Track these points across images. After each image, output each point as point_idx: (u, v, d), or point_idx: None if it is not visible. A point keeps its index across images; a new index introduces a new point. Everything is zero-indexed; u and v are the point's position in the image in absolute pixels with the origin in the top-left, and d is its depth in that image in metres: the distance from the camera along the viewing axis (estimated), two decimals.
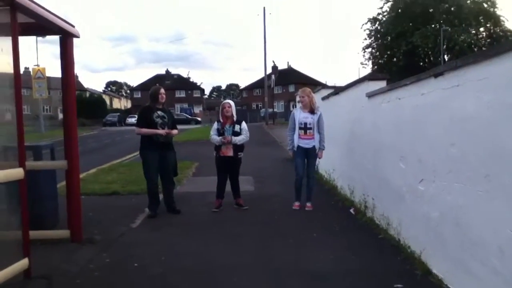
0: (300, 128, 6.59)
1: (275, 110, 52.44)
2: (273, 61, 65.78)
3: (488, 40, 35.73)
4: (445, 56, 34.99)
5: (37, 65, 28.36)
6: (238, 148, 6.67)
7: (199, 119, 54.14)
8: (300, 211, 6.57)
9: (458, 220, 3.49)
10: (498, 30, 35.86)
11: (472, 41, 34.64)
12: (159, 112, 6.32)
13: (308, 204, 6.68)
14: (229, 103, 6.84)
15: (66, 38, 4.95)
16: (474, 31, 35.37)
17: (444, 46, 33.64)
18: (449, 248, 3.63)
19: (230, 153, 6.64)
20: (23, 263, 3.85)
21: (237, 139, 6.62)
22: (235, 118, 6.73)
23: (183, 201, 7.05)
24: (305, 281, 3.91)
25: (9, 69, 3.77)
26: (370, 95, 5.81)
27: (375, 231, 5.35)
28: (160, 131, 6.24)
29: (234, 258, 4.55)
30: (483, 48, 33.62)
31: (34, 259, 3.99)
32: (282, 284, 3.84)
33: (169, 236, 5.43)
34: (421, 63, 36.74)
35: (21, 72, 3.94)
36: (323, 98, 9.00)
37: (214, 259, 4.52)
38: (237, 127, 6.66)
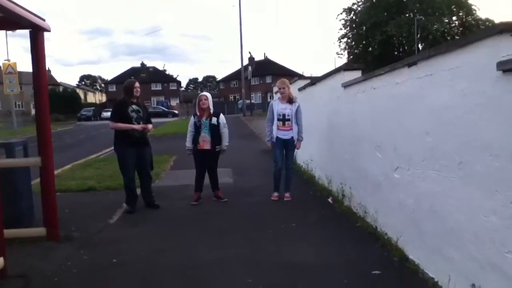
0: (278, 120, 6.60)
1: (252, 101, 52.38)
2: (250, 53, 65.38)
3: (461, 29, 36.40)
4: (419, 45, 35.49)
5: (8, 60, 27.60)
6: (215, 141, 6.65)
7: (176, 112, 53.66)
8: (278, 202, 6.61)
9: (433, 207, 3.57)
10: (470, 19, 36.54)
11: (445, 30, 35.21)
12: (133, 106, 6.22)
13: (287, 195, 6.72)
14: (205, 95, 6.79)
15: (37, 32, 4.83)
16: (447, 20, 35.94)
17: (418, 35, 34.12)
18: (425, 235, 3.71)
19: (207, 146, 6.61)
20: None
21: (223, 145, 6.70)
22: (211, 111, 6.69)
23: (162, 195, 7.00)
24: (286, 272, 3.94)
25: None
26: (346, 85, 5.85)
27: (353, 220, 5.43)
28: (136, 126, 6.15)
29: (214, 252, 4.55)
30: (456, 37, 34.24)
31: (10, 259, 3.92)
32: (262, 277, 3.86)
33: (148, 231, 5.39)
34: (396, 52, 37.21)
35: None
36: (300, 89, 9.03)
37: (194, 254, 4.51)
38: (214, 120, 6.62)
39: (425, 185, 3.69)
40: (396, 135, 4.30)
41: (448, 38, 34.07)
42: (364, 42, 37.94)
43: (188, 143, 6.70)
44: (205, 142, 6.61)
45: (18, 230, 4.83)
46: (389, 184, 4.50)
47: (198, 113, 6.68)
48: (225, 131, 6.71)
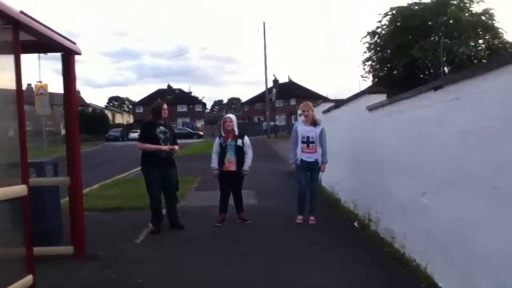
0: (302, 142, 6.60)
1: (276, 123, 52.55)
2: (274, 75, 65.99)
3: (488, 52, 35.83)
4: (445, 68, 35.11)
5: (40, 81, 28.45)
6: (240, 163, 6.68)
7: (201, 133, 54.20)
8: (303, 225, 6.55)
9: (463, 233, 3.49)
10: (497, 42, 35.99)
11: (472, 53, 34.74)
12: (161, 128, 6.32)
13: (311, 218, 6.66)
14: (230, 117, 6.86)
15: (68, 55, 5.00)
16: (473, 43, 35.49)
17: (444, 58, 33.75)
18: (455, 262, 3.62)
19: (232, 167, 6.65)
20: (28, 279, 3.84)
21: (246, 166, 6.69)
22: (236, 133, 6.75)
23: (186, 216, 7.04)
24: None
25: (12, 86, 3.80)
26: (371, 109, 5.83)
27: (380, 245, 5.33)
28: (163, 147, 6.24)
29: (237, 274, 4.53)
30: (483, 60, 33.72)
31: (38, 276, 3.98)
32: None
33: (173, 252, 5.41)
34: (421, 75, 36.83)
35: (24, 88, 3.98)
36: (324, 112, 9.03)
37: (217, 276, 4.50)
38: (239, 142, 6.67)
39: (455, 210, 3.62)
40: (423, 159, 4.25)
41: (475, 61, 33.60)
42: (388, 65, 37.73)
43: (214, 163, 6.74)
44: (231, 163, 6.65)
45: (47, 248, 4.92)
46: (417, 209, 4.42)
47: (223, 135, 6.75)
48: (249, 152, 6.75)
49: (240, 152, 6.67)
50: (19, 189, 3.78)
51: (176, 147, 6.50)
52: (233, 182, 6.77)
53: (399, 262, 4.67)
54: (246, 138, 6.83)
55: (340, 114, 7.93)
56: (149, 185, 6.34)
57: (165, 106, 6.47)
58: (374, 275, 4.39)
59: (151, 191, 6.34)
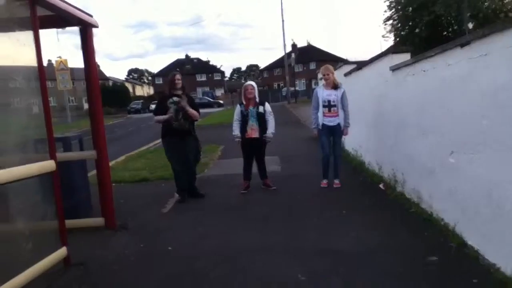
0: (324, 106, 6.51)
1: (296, 88, 52.02)
2: (293, 40, 65.11)
3: None
4: (470, 24, 33.88)
5: (60, 57, 28.70)
6: (263, 130, 6.67)
7: (221, 102, 54.17)
8: (328, 189, 6.55)
9: (491, 192, 3.43)
10: None
11: (497, 7, 33.36)
12: (174, 98, 6.29)
13: (336, 181, 6.65)
14: (251, 84, 6.80)
15: (86, 29, 4.99)
16: None
17: (468, 14, 32.54)
18: (484, 220, 3.58)
19: (255, 134, 6.64)
20: (62, 251, 3.98)
21: (269, 133, 6.66)
22: (257, 100, 6.70)
23: (211, 184, 7.12)
24: (339, 259, 3.91)
25: (33, 62, 3.83)
26: (394, 69, 5.69)
27: (406, 206, 5.30)
28: (167, 116, 6.20)
29: (264, 239, 4.59)
30: (510, 14, 32.37)
31: (72, 247, 4.12)
32: (312, 264, 3.86)
33: (199, 220, 5.49)
34: (445, 33, 35.64)
35: (45, 64, 4.00)
36: (346, 74, 8.87)
37: (243, 241, 4.57)
38: (261, 109, 6.64)
39: (482, 169, 3.55)
40: (449, 119, 4.15)
41: (501, 15, 32.28)
42: (410, 23, 36.39)
43: (236, 131, 6.72)
44: (254, 130, 6.64)
45: (78, 220, 5.06)
46: (443, 169, 4.35)
47: (244, 102, 6.71)
48: (271, 119, 6.71)
49: (262, 119, 6.65)
50: (48, 165, 3.86)
51: (191, 110, 6.29)
52: (256, 149, 6.78)
53: (427, 222, 4.65)
54: (267, 105, 6.79)
55: (362, 75, 7.77)
56: (168, 155, 6.43)
57: (177, 76, 6.36)
58: (402, 236, 4.38)
59: (170, 162, 6.45)
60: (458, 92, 3.93)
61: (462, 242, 3.93)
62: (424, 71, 4.73)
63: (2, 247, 3.52)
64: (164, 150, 6.52)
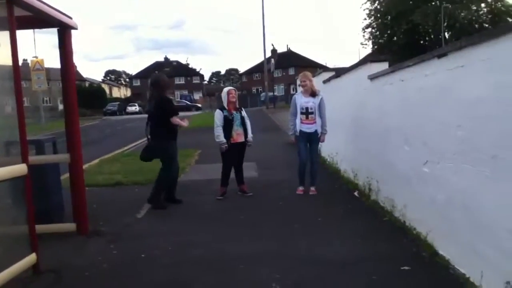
0: (301, 113, 6.54)
1: (275, 93, 52.15)
2: (272, 45, 65.13)
3: (490, 16, 35.24)
4: (446, 34, 34.63)
5: (36, 57, 28.11)
6: (246, 134, 6.70)
7: (199, 105, 53.96)
8: (304, 196, 6.57)
9: (465, 202, 3.48)
10: (500, 5, 35.35)
11: (473, 18, 34.18)
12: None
13: (312, 189, 6.67)
14: (234, 89, 6.90)
15: (65, 31, 4.90)
16: (475, 7, 34.86)
17: (445, 24, 33.25)
18: (456, 230, 3.63)
19: (241, 138, 6.66)
20: (31, 258, 3.86)
21: (250, 137, 6.75)
22: (237, 104, 6.73)
23: (188, 190, 7.05)
24: (313, 267, 3.91)
25: (8, 62, 3.73)
26: (373, 77, 5.75)
27: (380, 214, 5.35)
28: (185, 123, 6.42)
29: (241, 246, 4.56)
30: (485, 25, 33.20)
31: (42, 254, 4.00)
32: (290, 272, 3.84)
33: (175, 226, 5.43)
34: (422, 42, 36.39)
35: (20, 64, 3.91)
36: (324, 81, 8.93)
37: (221, 249, 4.53)
38: (243, 112, 6.74)
39: (457, 179, 3.60)
40: (425, 128, 4.21)
41: (476, 26, 33.09)
42: (389, 31, 37.15)
43: (221, 137, 6.55)
44: (239, 135, 6.66)
45: (49, 226, 4.93)
46: (418, 178, 4.41)
47: (226, 107, 6.67)
48: (248, 123, 6.77)
49: (244, 123, 6.70)
50: (20, 169, 3.75)
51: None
52: (239, 154, 6.77)
53: (400, 231, 4.70)
54: (243, 110, 6.89)
55: (340, 83, 7.84)
56: (174, 156, 6.35)
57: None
58: (375, 244, 4.41)
59: (174, 163, 6.39)
60: (434, 102, 3.99)
61: (434, 252, 3.97)
62: (402, 80, 4.79)
63: None
64: (169, 151, 6.28)
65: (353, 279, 3.66)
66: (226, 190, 6.78)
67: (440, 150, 3.89)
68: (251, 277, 3.78)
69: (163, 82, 6.40)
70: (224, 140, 6.57)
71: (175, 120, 6.20)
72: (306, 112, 6.53)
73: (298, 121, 6.57)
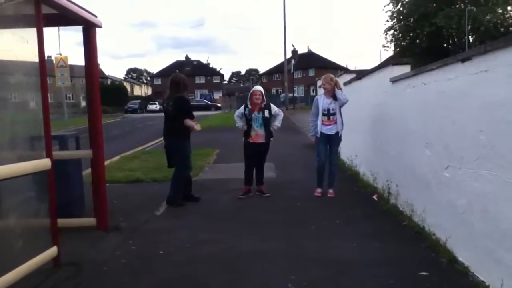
0: (323, 114, 6.53)
1: (295, 94, 52.09)
2: (293, 45, 65.26)
3: None
4: (470, 37, 34.06)
5: (60, 54, 28.67)
6: (269, 134, 6.67)
7: (219, 105, 54.21)
8: (322, 198, 6.55)
9: (486, 208, 3.43)
10: None
11: (499, 21, 33.53)
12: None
13: (330, 191, 6.65)
14: (259, 90, 6.73)
15: (89, 29, 4.97)
16: (500, 11, 34.18)
17: (469, 27, 32.70)
18: (476, 236, 3.57)
19: (260, 139, 6.65)
20: (52, 251, 3.95)
21: (274, 125, 6.74)
22: (263, 105, 6.68)
23: (205, 189, 7.10)
24: (329, 269, 3.90)
25: (35, 58, 3.81)
26: (394, 80, 5.70)
27: (399, 218, 5.30)
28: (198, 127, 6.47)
29: (257, 246, 4.57)
30: (511, 28, 32.54)
31: (62, 247, 4.09)
32: (305, 272, 3.84)
33: (193, 223, 5.48)
34: (445, 45, 35.87)
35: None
36: (345, 83, 8.86)
37: (237, 247, 4.55)
38: (266, 113, 6.64)
39: (478, 185, 3.55)
40: (447, 132, 4.15)
41: (502, 29, 32.46)
42: (411, 34, 36.73)
43: (240, 123, 6.75)
44: (258, 135, 6.65)
45: (70, 220, 5.02)
46: (438, 183, 4.36)
47: (250, 106, 6.68)
48: (281, 114, 6.85)
49: (267, 124, 6.66)
50: (44, 163, 3.83)
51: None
52: (258, 154, 6.77)
53: (418, 236, 4.65)
54: (273, 107, 6.82)
55: (361, 85, 7.79)
56: (188, 156, 6.41)
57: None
58: (393, 248, 4.37)
59: (189, 163, 6.45)
60: (457, 107, 3.94)
61: (453, 258, 3.92)
62: (424, 84, 4.74)
63: None
64: (185, 150, 6.36)
65: (369, 282, 3.63)
66: (249, 189, 6.80)
67: (461, 155, 3.84)
68: (266, 277, 3.79)
69: (182, 82, 6.41)
70: (242, 124, 6.70)
71: (188, 122, 6.24)
72: (328, 114, 6.51)
73: (319, 122, 6.55)
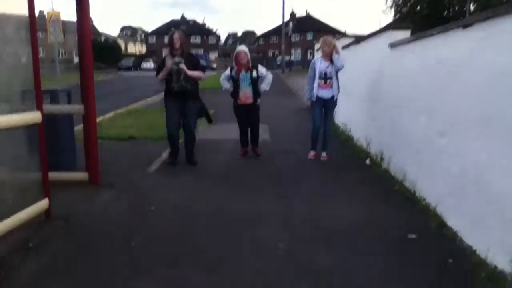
0: (320, 78, 6.43)
1: (292, 58, 51.52)
2: (292, 9, 63.93)
3: None
4: (471, 6, 33.54)
5: (52, 9, 27.91)
6: (256, 95, 6.58)
7: (214, 66, 53.57)
8: (315, 161, 6.57)
9: (479, 176, 3.44)
10: None
11: None
12: (176, 58, 6.08)
13: (324, 154, 6.66)
14: (244, 51, 6.53)
15: None
16: None
17: None
18: (467, 203, 3.61)
19: (249, 100, 6.55)
20: (44, 203, 3.96)
21: (262, 88, 6.59)
22: (250, 64, 6.55)
23: (199, 149, 7.06)
24: (320, 230, 3.95)
25: (24, 12, 3.71)
26: (393, 45, 5.61)
27: (390, 183, 5.34)
28: (164, 70, 6.01)
29: (249, 206, 4.60)
30: None
31: (53, 201, 4.10)
32: (297, 233, 3.88)
33: (185, 183, 5.48)
34: (445, 13, 35.34)
35: (36, 15, 3.87)
36: (343, 47, 8.74)
37: (230, 207, 4.58)
38: (254, 73, 6.48)
39: (472, 152, 3.55)
40: (444, 99, 4.12)
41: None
42: (412, 0, 36.11)
43: (226, 85, 6.66)
44: (247, 97, 6.54)
45: (62, 174, 5.01)
46: (432, 150, 4.36)
47: (235, 67, 6.55)
48: (268, 76, 6.67)
49: (255, 84, 6.54)
50: (34, 116, 3.78)
51: (187, 71, 5.95)
52: (250, 115, 6.69)
53: (409, 201, 4.69)
54: (261, 68, 6.64)
55: (360, 50, 7.68)
56: (166, 116, 6.20)
57: (175, 35, 6.04)
58: (383, 212, 4.42)
59: (166, 122, 6.21)
60: (456, 73, 3.89)
61: (442, 223, 3.98)
62: (424, 50, 4.68)
63: None
64: (166, 109, 6.23)
65: (359, 244, 3.68)
66: (246, 150, 6.82)
67: (457, 122, 3.83)
68: (258, 236, 3.83)
69: (169, 39, 6.14)
70: (229, 85, 6.62)
71: (158, 78, 6.14)
72: (325, 77, 6.42)
73: (315, 86, 6.46)
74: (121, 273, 3.18)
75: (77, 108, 5.18)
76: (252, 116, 6.70)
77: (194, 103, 6.24)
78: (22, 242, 3.56)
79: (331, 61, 6.39)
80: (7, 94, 3.91)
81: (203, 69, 6.29)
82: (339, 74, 6.47)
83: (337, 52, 6.40)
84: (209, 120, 6.53)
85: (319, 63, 6.46)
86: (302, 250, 3.56)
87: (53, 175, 4.23)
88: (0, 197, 3.61)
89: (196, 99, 6.29)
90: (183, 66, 5.91)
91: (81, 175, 5.17)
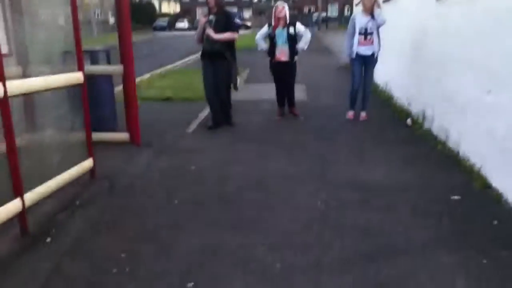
0: (360, 34, 6.18)
1: (328, 14, 50.03)
2: None
3: None
4: None
5: None
6: (293, 52, 6.42)
7: (248, 24, 52.72)
8: (354, 121, 6.45)
9: None
10: None
11: None
12: (210, 17, 5.98)
13: (363, 114, 6.53)
14: (283, 5, 6.35)
15: None
16: None
17: None
18: None
19: (284, 57, 6.40)
20: (89, 162, 4.08)
21: (300, 47, 6.41)
22: (288, 21, 6.37)
23: (236, 110, 7.06)
24: (359, 191, 3.90)
25: None
26: None
27: (432, 143, 5.20)
28: (199, 29, 5.96)
29: (287, 167, 4.60)
30: None
31: (97, 161, 4.22)
32: (335, 194, 3.86)
33: (224, 143, 5.51)
34: None
35: None
36: (384, 1, 8.38)
37: (268, 167, 4.58)
38: (291, 30, 6.31)
39: None
40: (492, 55, 3.91)
41: None
42: None
43: (261, 46, 6.54)
44: (283, 53, 6.39)
45: (104, 134, 5.14)
46: (478, 108, 4.18)
47: (273, 24, 6.40)
48: (306, 35, 6.45)
49: (292, 41, 6.37)
50: (76, 76, 3.83)
51: (213, 35, 5.80)
52: (285, 74, 6.55)
53: (452, 161, 4.57)
54: (298, 25, 6.44)
55: (401, 4, 7.34)
56: (203, 77, 6.15)
57: None
58: (425, 172, 4.32)
59: (203, 83, 6.17)
60: (506, 26, 3.66)
61: (487, 184, 3.86)
62: (472, 1, 4.41)
63: (32, 155, 3.60)
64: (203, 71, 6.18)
65: (399, 205, 3.62)
66: (283, 111, 6.77)
67: (505, 80, 3.64)
68: (295, 197, 3.83)
69: None
70: (265, 46, 6.51)
71: (196, 38, 6.07)
72: (365, 33, 6.17)
73: (355, 42, 6.24)
74: (165, 229, 3.26)
75: (116, 68, 5.23)
76: (288, 74, 6.57)
77: (224, 64, 6.02)
78: (69, 200, 3.71)
79: (372, 16, 6.14)
80: (49, 55, 3.98)
81: (235, 28, 6.11)
82: (380, 30, 6.22)
83: (379, 7, 6.14)
84: (234, 86, 6.34)
85: (359, 18, 6.22)
86: (340, 210, 3.55)
87: (95, 136, 4.33)
88: (48, 156, 3.73)
89: (224, 60, 6.01)
90: (209, 31, 5.82)
91: (123, 136, 5.28)
